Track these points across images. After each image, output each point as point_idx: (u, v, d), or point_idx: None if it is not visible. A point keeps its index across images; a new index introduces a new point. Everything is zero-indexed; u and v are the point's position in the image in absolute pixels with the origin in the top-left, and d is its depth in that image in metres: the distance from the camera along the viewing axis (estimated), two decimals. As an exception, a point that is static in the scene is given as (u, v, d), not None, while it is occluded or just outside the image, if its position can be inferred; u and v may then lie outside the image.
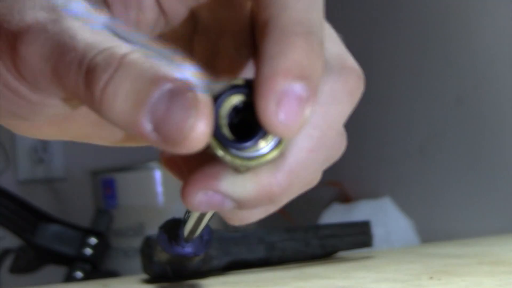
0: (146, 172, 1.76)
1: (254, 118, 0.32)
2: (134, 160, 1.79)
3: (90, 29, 0.33)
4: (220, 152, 0.32)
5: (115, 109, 0.31)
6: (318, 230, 0.90)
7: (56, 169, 2.00)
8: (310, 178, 0.35)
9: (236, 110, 0.32)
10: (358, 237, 0.90)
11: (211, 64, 0.37)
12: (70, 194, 2.01)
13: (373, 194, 1.66)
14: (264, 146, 0.32)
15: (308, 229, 0.89)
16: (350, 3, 1.74)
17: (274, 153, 0.32)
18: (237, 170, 0.33)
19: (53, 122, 0.38)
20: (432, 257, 0.88)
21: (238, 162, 0.32)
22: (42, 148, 1.97)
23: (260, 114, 0.31)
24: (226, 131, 0.32)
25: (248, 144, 0.32)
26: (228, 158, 0.32)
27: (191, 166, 0.35)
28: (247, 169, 0.33)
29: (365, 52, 1.67)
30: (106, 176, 1.78)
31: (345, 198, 1.74)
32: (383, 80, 1.72)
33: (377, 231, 1.23)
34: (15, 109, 0.36)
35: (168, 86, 0.30)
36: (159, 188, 1.74)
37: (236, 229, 0.90)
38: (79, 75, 0.32)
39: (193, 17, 0.38)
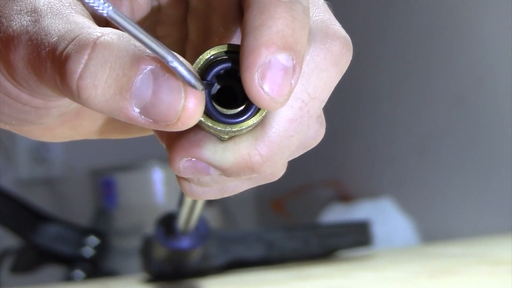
0: (146, 172, 1.76)
1: (235, 83, 0.32)
2: (134, 160, 1.79)
3: (65, 19, 0.33)
4: (202, 118, 0.32)
5: (97, 99, 0.31)
6: (317, 229, 0.90)
7: (56, 168, 2.00)
8: (291, 149, 0.34)
9: (217, 76, 0.33)
10: (358, 236, 0.90)
11: (204, 43, 0.37)
12: (70, 194, 2.01)
13: (373, 193, 1.65)
14: (246, 112, 0.32)
15: (308, 228, 0.89)
16: (350, 3, 1.74)
17: (255, 119, 0.32)
18: (219, 137, 0.33)
19: (65, 121, 0.38)
20: (432, 257, 0.88)
21: (219, 127, 0.32)
22: (42, 148, 1.97)
23: (245, 86, 0.31)
24: (207, 97, 0.32)
25: (229, 110, 0.32)
26: (209, 124, 0.32)
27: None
28: (229, 136, 0.33)
29: (365, 52, 1.67)
30: (106, 176, 1.78)
31: (345, 198, 1.74)
32: (383, 79, 1.72)
33: (377, 231, 1.23)
34: (22, 116, 0.36)
35: (149, 67, 0.30)
36: (159, 188, 1.74)
37: (236, 227, 0.90)
38: (54, 70, 0.31)
39: None
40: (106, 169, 1.79)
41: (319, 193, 1.84)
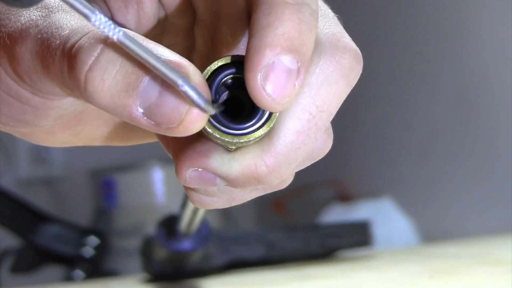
0: (146, 172, 1.76)
1: (243, 93, 0.32)
2: (134, 160, 1.79)
3: (77, 17, 0.33)
4: (209, 129, 0.32)
5: (102, 93, 0.30)
6: (317, 229, 0.90)
7: (56, 169, 2.00)
8: (298, 160, 0.34)
9: (225, 86, 0.33)
10: (357, 237, 0.90)
11: (212, 53, 0.37)
12: (70, 194, 2.01)
13: (373, 193, 1.65)
14: (253, 123, 0.32)
15: (308, 228, 0.89)
16: (350, 3, 1.74)
17: (263, 130, 0.32)
18: (226, 148, 0.33)
19: (65, 126, 0.38)
20: (432, 257, 0.88)
21: (227, 139, 0.32)
22: (42, 148, 1.97)
23: (248, 87, 0.31)
24: (215, 108, 0.32)
25: (237, 121, 0.32)
26: (216, 135, 0.32)
27: (178, 139, 0.34)
28: (237, 147, 0.33)
29: (365, 52, 1.66)
30: (106, 176, 1.78)
31: (345, 198, 1.74)
32: (383, 80, 1.72)
33: (377, 231, 1.23)
34: (20, 116, 0.36)
35: None
36: (159, 188, 1.74)
37: (236, 228, 0.90)
38: (63, 60, 0.31)
39: (190, 8, 0.37)
40: (106, 169, 1.79)
41: (319, 193, 1.84)
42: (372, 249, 0.96)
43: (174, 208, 0.73)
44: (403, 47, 1.67)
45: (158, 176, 1.75)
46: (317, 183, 1.81)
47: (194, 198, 0.35)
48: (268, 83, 0.31)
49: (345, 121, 1.75)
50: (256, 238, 0.86)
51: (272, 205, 1.86)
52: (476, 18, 1.49)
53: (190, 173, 0.33)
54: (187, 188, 0.35)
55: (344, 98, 0.34)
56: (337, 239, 0.89)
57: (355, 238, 0.90)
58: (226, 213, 1.82)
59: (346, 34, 0.34)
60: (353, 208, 1.60)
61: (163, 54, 0.31)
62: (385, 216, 1.54)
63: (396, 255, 0.99)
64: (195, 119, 0.30)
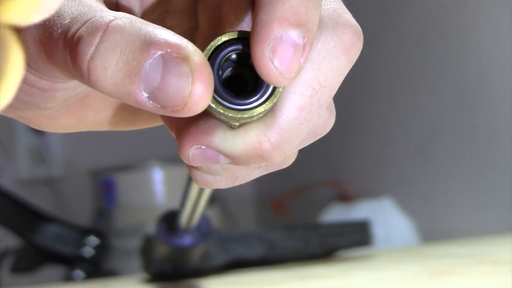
0: (146, 172, 1.76)
1: (246, 70, 0.32)
2: (134, 160, 1.79)
3: (78, 2, 0.33)
4: (213, 104, 0.32)
5: (106, 81, 0.31)
6: (317, 229, 0.90)
7: (56, 169, 2.00)
8: (301, 137, 0.34)
9: (228, 62, 0.33)
10: (357, 236, 0.90)
11: (216, 33, 0.37)
12: (70, 194, 2.01)
13: (373, 193, 1.65)
14: (257, 98, 0.32)
15: (308, 228, 0.89)
16: (349, 3, 1.74)
17: (266, 105, 0.32)
18: (229, 124, 0.33)
19: (69, 110, 0.38)
20: (432, 257, 0.88)
21: (230, 114, 0.32)
22: (42, 148, 1.97)
23: (255, 60, 0.31)
24: (218, 83, 0.32)
25: (240, 96, 0.32)
26: (220, 110, 0.32)
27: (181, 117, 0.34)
28: (240, 123, 0.33)
29: (364, 52, 1.67)
30: (106, 176, 1.78)
31: (345, 198, 1.74)
32: (383, 80, 1.72)
33: (377, 231, 1.23)
34: (27, 98, 0.36)
35: (159, 52, 0.30)
36: (159, 188, 1.74)
37: (236, 227, 0.90)
38: (65, 50, 0.32)
39: None
40: (106, 169, 1.79)
41: (319, 193, 1.84)
42: (372, 249, 0.96)
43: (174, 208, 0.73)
44: (402, 47, 1.67)
45: (158, 176, 1.75)
46: (317, 183, 1.82)
47: (197, 177, 0.36)
48: (276, 57, 0.31)
49: (344, 121, 1.75)
50: (256, 238, 0.86)
51: (272, 205, 1.86)
52: (475, 18, 1.49)
53: (193, 151, 0.33)
54: (190, 167, 0.35)
55: (345, 74, 0.34)
56: (337, 239, 0.89)
57: (355, 238, 0.90)
58: (226, 213, 1.82)
59: (347, 10, 0.34)
60: (353, 208, 1.60)
61: (162, 36, 0.31)
62: (385, 216, 1.54)
63: (396, 255, 0.99)
64: (199, 99, 0.30)
